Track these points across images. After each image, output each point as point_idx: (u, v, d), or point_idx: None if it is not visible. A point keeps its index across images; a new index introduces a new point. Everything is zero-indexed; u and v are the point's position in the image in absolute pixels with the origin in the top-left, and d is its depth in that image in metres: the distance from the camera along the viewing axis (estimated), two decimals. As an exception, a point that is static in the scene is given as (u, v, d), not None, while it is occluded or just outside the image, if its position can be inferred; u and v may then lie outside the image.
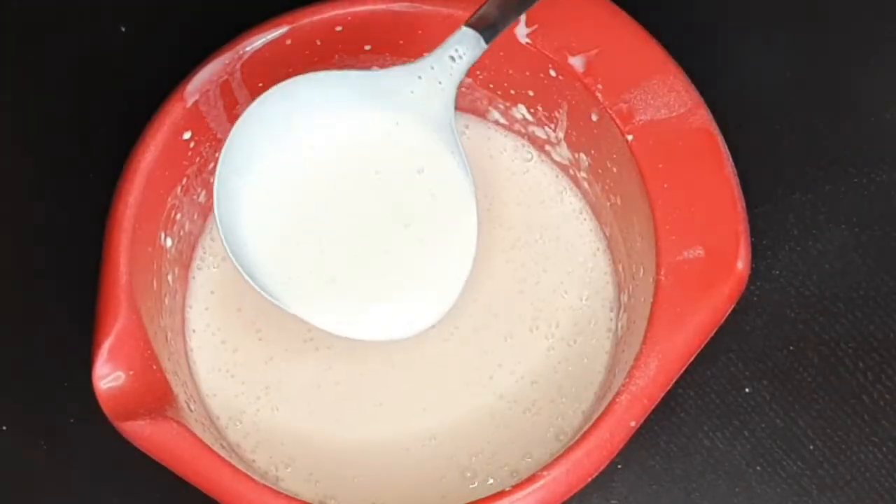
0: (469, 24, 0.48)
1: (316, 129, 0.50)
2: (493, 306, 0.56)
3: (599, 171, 0.55)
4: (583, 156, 0.55)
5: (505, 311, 0.55)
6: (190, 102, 0.51)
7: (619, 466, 0.55)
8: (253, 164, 0.49)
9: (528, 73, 0.54)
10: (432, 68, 0.49)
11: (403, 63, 0.54)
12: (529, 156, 0.58)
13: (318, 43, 0.53)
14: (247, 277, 0.48)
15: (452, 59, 0.49)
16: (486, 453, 0.53)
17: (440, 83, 0.49)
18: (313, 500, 0.52)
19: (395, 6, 0.53)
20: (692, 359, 0.48)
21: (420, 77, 0.49)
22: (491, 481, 0.53)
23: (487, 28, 0.48)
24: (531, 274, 0.56)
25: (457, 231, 0.51)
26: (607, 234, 0.56)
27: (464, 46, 0.48)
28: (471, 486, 0.53)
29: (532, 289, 0.56)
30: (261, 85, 0.54)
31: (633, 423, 0.47)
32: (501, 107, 0.57)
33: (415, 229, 0.51)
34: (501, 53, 0.53)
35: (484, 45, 0.48)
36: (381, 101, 0.50)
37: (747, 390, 0.56)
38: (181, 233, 0.54)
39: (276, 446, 0.54)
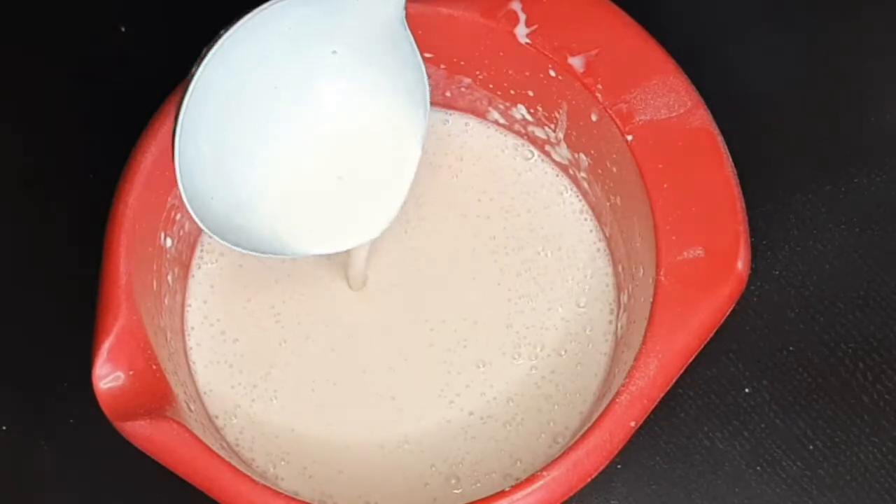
0: None
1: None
2: (482, 308, 0.55)
3: (599, 171, 0.55)
4: (582, 156, 0.55)
5: (494, 317, 0.55)
6: (190, 102, 0.51)
7: (619, 467, 0.55)
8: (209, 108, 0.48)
9: (527, 74, 0.54)
10: None
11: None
12: (529, 155, 0.58)
13: (318, 43, 0.53)
14: (203, 226, 0.48)
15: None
16: (466, 462, 0.53)
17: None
18: (311, 497, 0.52)
19: (395, 6, 0.53)
20: (692, 359, 0.48)
21: None
22: (478, 485, 0.53)
23: None
24: (528, 274, 0.56)
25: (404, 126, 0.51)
26: (607, 235, 0.56)
27: None
28: (455, 492, 0.53)
29: (528, 291, 0.56)
30: (261, 85, 0.54)
31: (632, 424, 0.47)
32: (501, 107, 0.57)
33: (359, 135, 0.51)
34: (501, 53, 0.53)
35: None
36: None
37: (747, 390, 0.56)
38: (181, 233, 0.54)
39: (271, 440, 0.53)
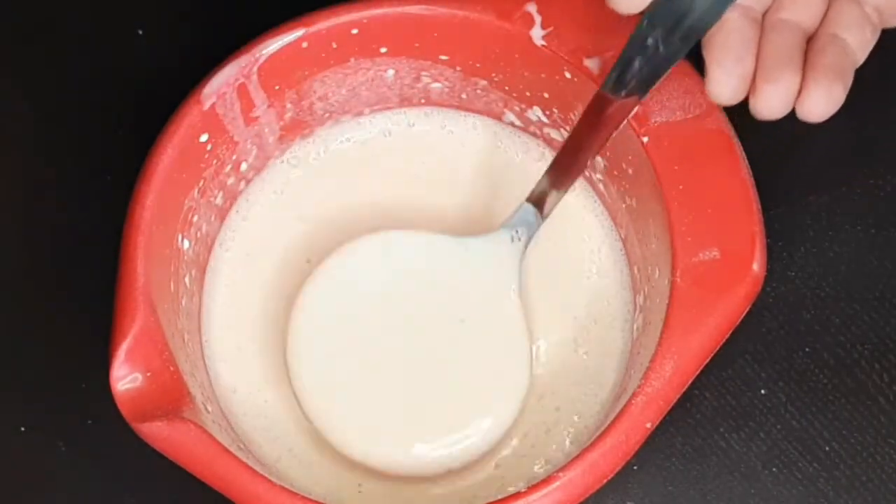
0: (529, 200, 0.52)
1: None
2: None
3: (615, 172, 0.55)
4: (598, 157, 0.55)
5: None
6: (207, 105, 0.52)
7: (635, 468, 0.55)
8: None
9: (543, 75, 0.54)
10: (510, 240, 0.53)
11: (417, 63, 0.55)
12: (545, 158, 0.58)
13: (334, 46, 0.54)
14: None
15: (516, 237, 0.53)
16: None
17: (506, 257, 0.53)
18: (325, 497, 0.52)
19: (411, 9, 0.53)
20: (708, 360, 0.48)
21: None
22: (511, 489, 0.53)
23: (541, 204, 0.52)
24: (543, 275, 0.56)
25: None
26: (623, 236, 0.56)
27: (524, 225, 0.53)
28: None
29: (542, 293, 0.56)
30: (277, 87, 0.54)
31: (648, 425, 0.47)
32: (517, 109, 0.57)
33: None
34: (517, 55, 0.53)
35: (541, 221, 0.52)
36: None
37: (763, 392, 0.56)
38: (198, 235, 0.54)
39: (288, 441, 0.54)
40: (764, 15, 0.48)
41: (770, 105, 0.46)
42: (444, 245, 0.53)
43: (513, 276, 0.53)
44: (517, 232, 0.53)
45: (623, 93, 0.47)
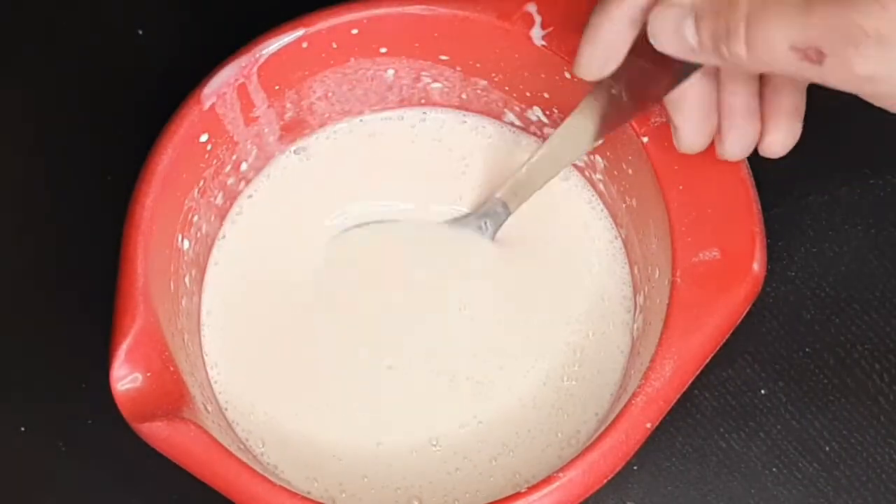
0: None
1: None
2: (497, 310, 0.56)
3: (615, 172, 0.55)
4: (598, 158, 0.55)
5: (510, 319, 0.56)
6: (207, 105, 0.52)
7: (635, 468, 0.55)
8: None
9: (543, 76, 0.54)
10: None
11: (417, 63, 0.55)
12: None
13: (334, 46, 0.54)
14: None
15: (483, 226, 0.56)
16: (485, 462, 0.53)
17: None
18: (324, 497, 0.52)
19: (410, 9, 0.53)
20: (708, 360, 0.48)
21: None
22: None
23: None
24: (543, 276, 0.56)
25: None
26: (623, 236, 0.56)
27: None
28: (477, 492, 0.53)
29: (543, 292, 0.56)
30: (277, 87, 0.54)
31: (648, 425, 0.47)
32: (517, 109, 0.57)
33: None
34: (517, 56, 0.53)
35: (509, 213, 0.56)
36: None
37: (763, 392, 0.56)
38: (198, 235, 0.54)
39: (286, 440, 0.54)
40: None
41: (734, 151, 0.49)
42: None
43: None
44: (485, 224, 0.55)
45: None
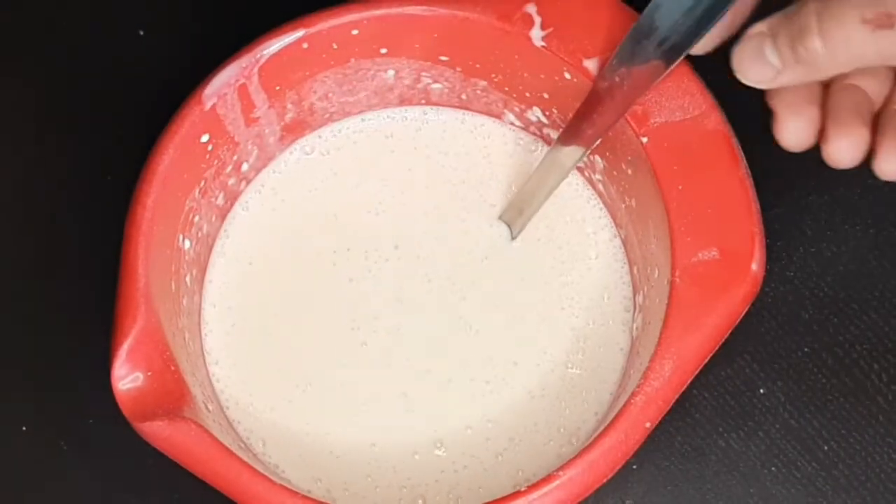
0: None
1: None
2: (497, 309, 0.56)
3: (614, 173, 0.55)
4: (597, 158, 0.55)
5: (510, 319, 0.56)
6: (207, 106, 0.52)
7: (635, 467, 0.55)
8: None
9: (542, 76, 0.54)
10: None
11: (417, 63, 0.55)
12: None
13: (335, 46, 0.54)
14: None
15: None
16: (487, 462, 0.54)
17: None
18: (324, 497, 0.52)
19: (410, 9, 0.53)
20: (707, 360, 0.48)
21: None
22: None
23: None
24: (543, 276, 0.56)
25: None
26: (622, 236, 0.56)
27: None
28: (480, 490, 0.53)
29: (543, 293, 0.56)
30: (277, 88, 0.54)
31: (648, 424, 0.47)
32: (517, 109, 0.57)
33: None
34: (516, 56, 0.53)
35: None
36: None
37: (762, 391, 0.56)
38: (199, 235, 0.55)
39: (287, 439, 0.54)
40: (829, 84, 0.49)
41: (841, 151, 0.47)
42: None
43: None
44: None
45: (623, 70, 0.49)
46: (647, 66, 0.48)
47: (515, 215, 0.56)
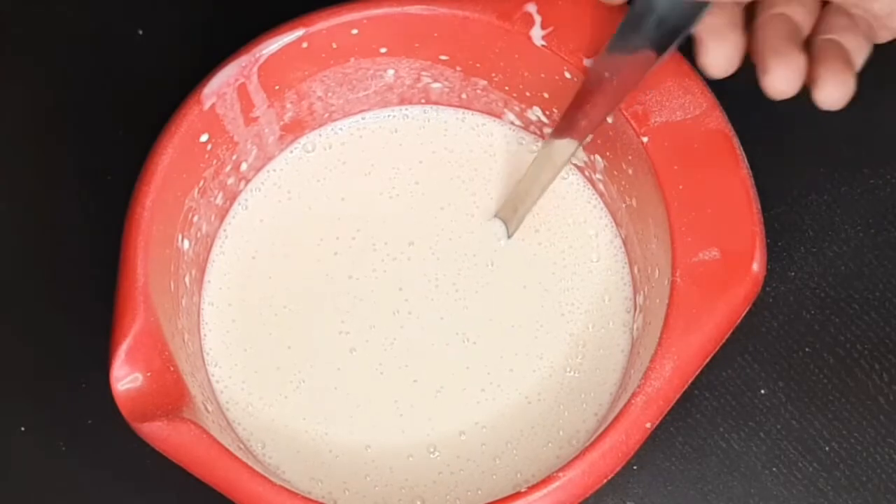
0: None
1: None
2: (497, 310, 0.56)
3: (615, 172, 0.55)
4: (598, 157, 0.55)
5: (509, 320, 0.56)
6: (207, 105, 0.52)
7: (635, 468, 0.55)
8: None
9: (543, 76, 0.54)
10: None
11: (417, 63, 0.55)
12: (545, 157, 0.58)
13: (334, 46, 0.54)
14: None
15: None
16: (487, 464, 0.53)
17: None
18: (323, 497, 0.52)
19: (410, 9, 0.53)
20: (708, 360, 0.48)
21: None
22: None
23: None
24: (543, 276, 0.56)
25: None
26: (623, 236, 0.56)
27: None
28: (478, 492, 0.53)
29: (543, 292, 0.56)
30: (277, 87, 0.54)
31: (648, 425, 0.47)
32: (517, 108, 0.57)
33: None
34: (517, 56, 0.53)
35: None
36: None
37: (763, 392, 0.56)
38: (198, 235, 0.54)
39: (285, 440, 0.54)
40: (753, 14, 0.48)
41: (782, 79, 0.47)
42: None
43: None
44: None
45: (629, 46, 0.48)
46: (639, 56, 0.48)
47: (511, 213, 0.56)
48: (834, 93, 0.47)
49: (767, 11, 0.47)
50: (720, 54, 0.47)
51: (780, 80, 0.47)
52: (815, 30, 0.48)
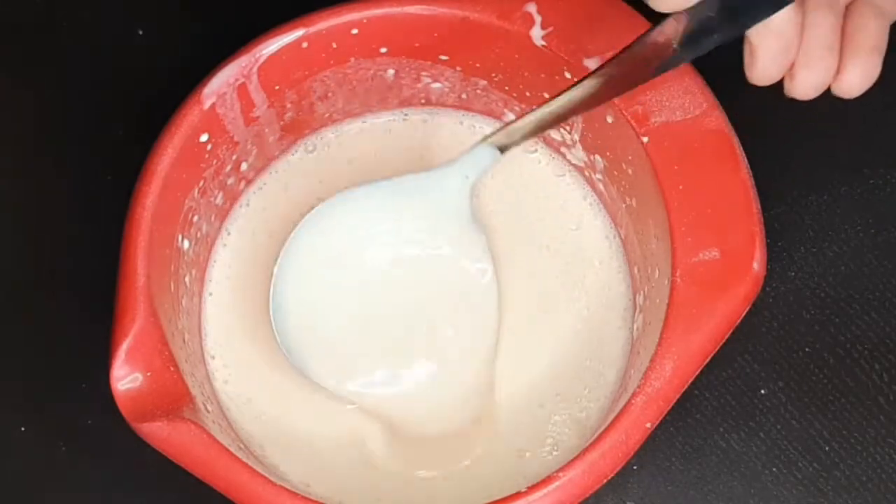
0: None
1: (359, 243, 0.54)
2: (497, 317, 0.56)
3: (615, 172, 0.55)
4: (598, 157, 0.55)
5: (508, 318, 0.55)
6: (207, 105, 0.52)
7: (635, 468, 0.55)
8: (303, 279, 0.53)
9: (543, 76, 0.54)
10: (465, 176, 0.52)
11: (417, 63, 0.55)
12: (545, 157, 0.58)
13: (334, 46, 0.54)
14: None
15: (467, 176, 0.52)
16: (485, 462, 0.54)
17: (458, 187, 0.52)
18: (324, 497, 0.52)
19: (410, 9, 0.53)
20: (708, 360, 0.48)
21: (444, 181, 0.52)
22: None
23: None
24: (543, 275, 0.56)
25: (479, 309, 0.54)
26: (622, 236, 0.56)
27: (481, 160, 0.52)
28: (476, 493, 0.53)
29: (543, 291, 0.56)
30: (277, 87, 0.54)
31: (648, 425, 0.47)
32: (517, 109, 0.57)
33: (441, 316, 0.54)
34: (517, 56, 0.53)
35: (499, 156, 0.51)
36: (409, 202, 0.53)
37: (763, 392, 0.56)
38: (198, 235, 0.54)
39: (287, 440, 0.54)
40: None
41: (805, 88, 0.46)
42: (399, 188, 0.53)
43: (464, 212, 0.53)
44: (468, 175, 0.52)
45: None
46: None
47: (504, 137, 0.52)
48: (854, 85, 0.46)
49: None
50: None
51: (799, 91, 0.46)
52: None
